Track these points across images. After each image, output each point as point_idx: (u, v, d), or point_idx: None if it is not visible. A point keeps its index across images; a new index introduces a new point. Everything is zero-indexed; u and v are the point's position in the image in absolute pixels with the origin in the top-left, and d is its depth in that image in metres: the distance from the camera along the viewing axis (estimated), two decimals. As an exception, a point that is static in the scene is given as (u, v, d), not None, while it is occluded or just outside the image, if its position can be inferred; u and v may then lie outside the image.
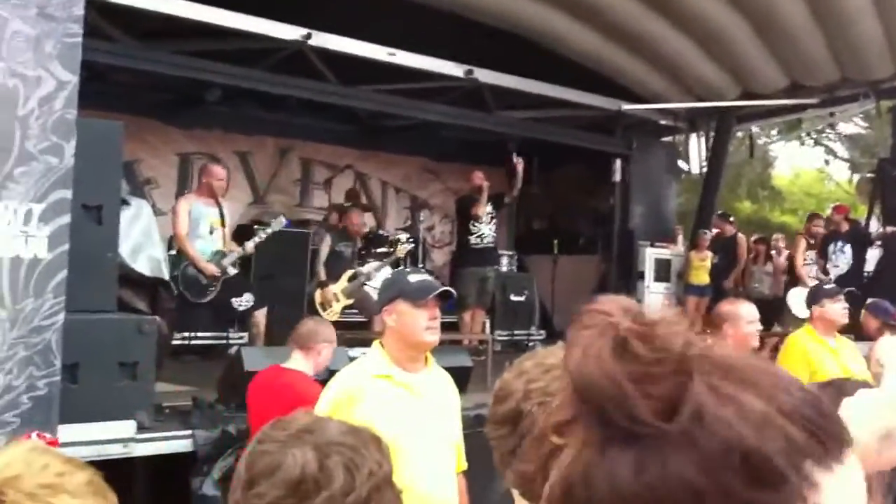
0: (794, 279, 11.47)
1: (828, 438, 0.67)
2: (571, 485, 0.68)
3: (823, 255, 11.49)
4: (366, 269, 9.55)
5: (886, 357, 6.15)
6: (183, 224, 7.85)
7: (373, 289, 10.62)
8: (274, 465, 1.56)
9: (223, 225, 8.22)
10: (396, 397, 3.47)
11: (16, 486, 1.42)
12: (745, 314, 4.90)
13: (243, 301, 8.07)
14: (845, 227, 11.54)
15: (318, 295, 9.27)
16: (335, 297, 9.19)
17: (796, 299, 10.57)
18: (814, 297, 6.10)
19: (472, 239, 10.69)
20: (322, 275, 9.43)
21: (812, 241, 11.69)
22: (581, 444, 0.69)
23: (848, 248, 11.25)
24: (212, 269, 7.93)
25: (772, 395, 0.67)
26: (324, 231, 9.92)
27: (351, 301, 9.36)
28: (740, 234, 13.07)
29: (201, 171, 8.61)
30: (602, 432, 0.68)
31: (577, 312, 0.75)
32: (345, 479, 1.54)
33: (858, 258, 11.34)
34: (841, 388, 1.87)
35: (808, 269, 11.45)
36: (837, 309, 5.87)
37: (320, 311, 9.08)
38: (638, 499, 0.65)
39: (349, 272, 9.38)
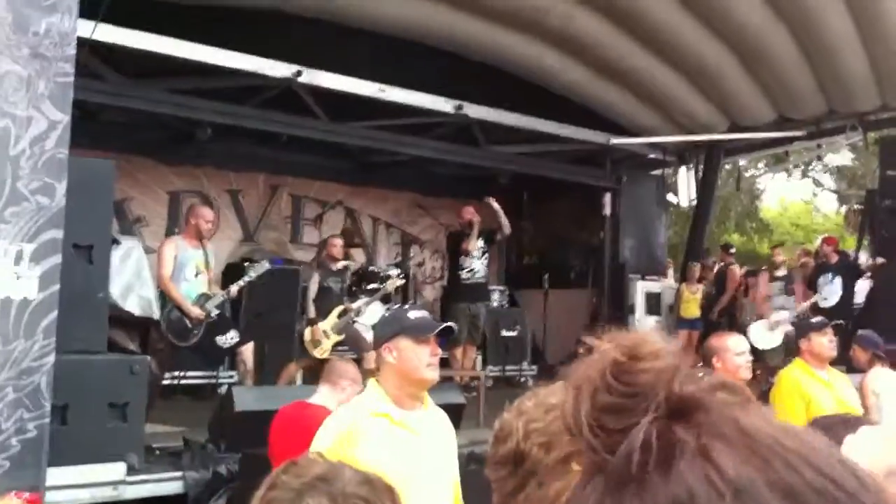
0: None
1: None
2: None
3: (813, 287, 11.51)
4: (355, 304, 9.50)
5: (880, 389, 6.17)
6: (168, 267, 7.70)
7: (363, 325, 10.61)
8: None
9: (208, 268, 8.16)
10: (395, 437, 3.43)
11: None
12: (732, 346, 4.88)
13: (228, 338, 8.02)
14: (835, 258, 11.58)
15: (307, 332, 9.18)
16: (325, 334, 9.13)
17: (756, 332, 10.67)
18: (801, 331, 6.10)
19: (464, 274, 10.68)
20: (311, 312, 9.35)
21: (777, 274, 11.79)
22: (579, 476, 0.67)
23: (838, 280, 11.28)
24: (196, 312, 7.85)
25: (765, 463, 0.60)
26: (311, 268, 9.89)
27: (342, 337, 9.31)
28: (732, 266, 13.10)
29: (189, 212, 8.55)
30: (588, 464, 0.66)
31: (575, 347, 0.73)
32: None
33: (848, 290, 11.36)
34: (847, 423, 1.86)
35: (775, 301, 11.55)
36: (824, 342, 5.86)
37: (310, 348, 9.00)
38: None
39: (339, 308, 9.32)
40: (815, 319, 6.48)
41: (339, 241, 9.87)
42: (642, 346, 0.67)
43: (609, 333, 0.70)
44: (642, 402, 0.64)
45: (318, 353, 8.97)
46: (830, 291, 11.32)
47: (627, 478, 0.62)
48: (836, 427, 1.79)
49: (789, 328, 10.30)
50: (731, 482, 0.59)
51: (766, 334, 10.96)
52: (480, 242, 10.71)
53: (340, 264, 9.60)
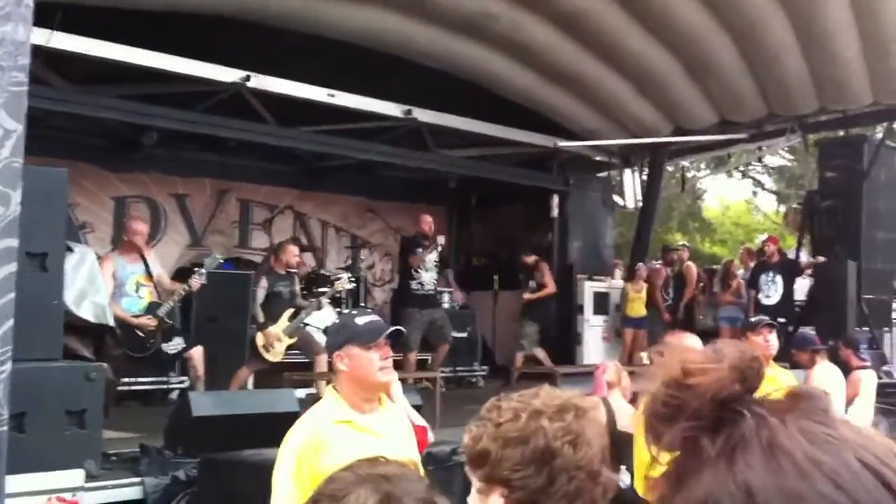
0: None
1: None
2: None
3: (754, 286, 11.77)
4: (305, 306, 9.52)
5: (825, 385, 6.36)
6: (109, 286, 7.65)
7: (314, 328, 10.64)
8: (339, 494, 1.57)
9: (150, 279, 8.13)
10: (359, 443, 3.47)
11: None
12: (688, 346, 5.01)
13: (172, 345, 8.01)
14: (776, 257, 11.85)
15: (259, 337, 9.15)
16: (277, 337, 9.14)
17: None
18: (739, 330, 6.27)
19: (413, 284, 10.74)
20: (260, 317, 9.31)
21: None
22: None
23: (779, 279, 11.54)
24: (144, 321, 7.84)
25: (780, 471, 0.67)
26: (261, 273, 9.90)
27: (293, 340, 9.32)
28: (689, 263, 13.20)
29: (123, 230, 8.55)
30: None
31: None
32: None
33: (789, 288, 11.63)
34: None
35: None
36: (759, 341, 6.01)
37: (263, 353, 8.98)
38: None
39: (289, 311, 9.31)
40: (751, 318, 6.67)
41: (296, 249, 9.86)
42: (695, 360, 0.76)
43: (671, 348, 0.80)
44: (686, 414, 0.73)
45: (271, 357, 8.97)
46: (772, 290, 11.58)
47: (673, 479, 0.72)
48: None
49: None
50: (743, 487, 0.67)
51: None
52: (434, 255, 10.77)
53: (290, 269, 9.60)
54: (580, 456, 1.78)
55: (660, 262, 13.58)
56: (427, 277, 10.76)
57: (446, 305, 12.48)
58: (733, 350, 0.77)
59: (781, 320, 9.86)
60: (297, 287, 9.58)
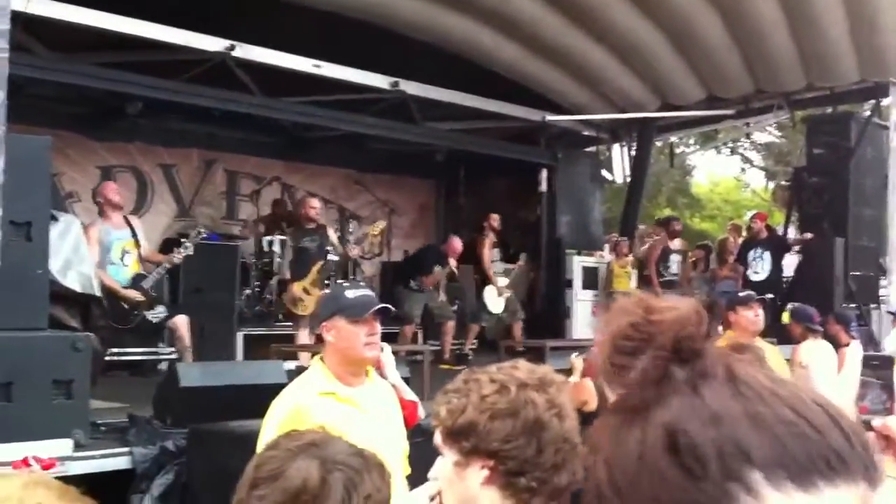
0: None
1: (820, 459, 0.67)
2: None
3: (743, 262, 11.81)
4: (336, 259, 9.59)
5: (808, 361, 6.39)
6: (94, 253, 7.58)
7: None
8: (277, 472, 1.61)
9: (137, 245, 8.06)
10: (343, 414, 3.47)
11: None
12: None
13: (155, 313, 7.97)
14: (764, 234, 11.89)
15: (286, 296, 9.22)
16: (305, 291, 9.08)
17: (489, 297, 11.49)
18: (728, 304, 6.30)
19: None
20: (286, 274, 9.39)
21: (494, 241, 12.03)
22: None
23: (767, 255, 11.59)
24: (132, 294, 7.79)
25: (744, 398, 0.70)
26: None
27: (325, 292, 9.22)
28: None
29: (95, 195, 8.43)
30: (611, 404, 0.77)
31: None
32: (342, 497, 1.59)
33: (777, 264, 11.68)
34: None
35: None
36: (749, 315, 6.04)
37: (294, 309, 9.02)
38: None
39: (318, 264, 9.25)
40: (741, 293, 6.68)
41: (315, 201, 9.87)
42: (657, 302, 0.77)
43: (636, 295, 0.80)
44: (652, 346, 0.74)
45: (300, 311, 8.99)
46: (760, 266, 11.63)
47: (633, 409, 0.73)
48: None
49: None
50: (710, 411, 0.69)
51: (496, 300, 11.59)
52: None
53: (313, 224, 9.54)
54: (566, 427, 1.80)
55: (654, 234, 13.47)
56: None
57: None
58: (687, 300, 0.79)
59: (770, 296, 9.93)
60: (331, 239, 9.57)
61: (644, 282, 12.27)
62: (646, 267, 12.40)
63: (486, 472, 1.78)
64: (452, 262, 10.86)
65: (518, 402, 1.80)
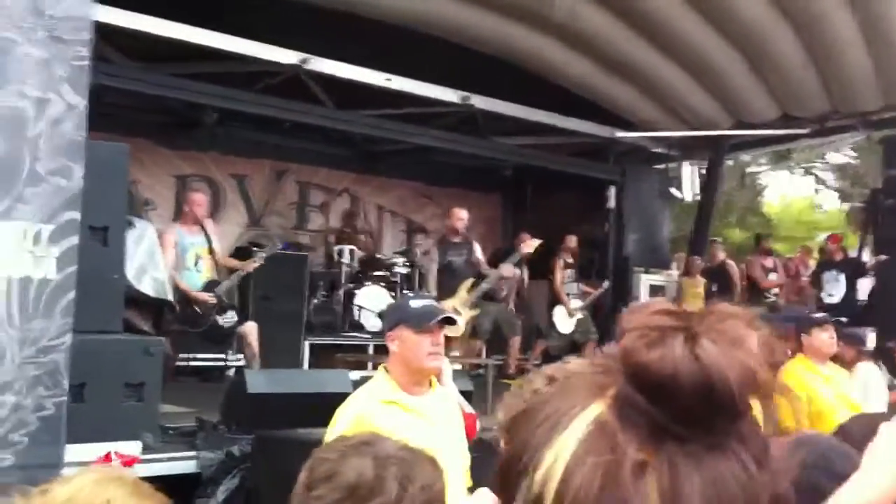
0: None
1: None
2: None
3: (817, 284, 11.62)
4: (487, 274, 9.15)
5: (869, 381, 6.27)
6: (170, 257, 7.76)
7: (369, 311, 10.69)
8: (332, 472, 1.65)
9: (211, 252, 8.21)
10: (406, 423, 3.50)
11: None
12: None
13: (226, 318, 8.10)
14: (839, 256, 11.68)
15: None
16: (455, 311, 8.57)
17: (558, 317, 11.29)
18: (801, 326, 6.20)
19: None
20: (433, 291, 9.05)
21: (568, 261, 11.84)
22: None
23: (842, 277, 11.38)
24: (204, 297, 7.94)
25: (735, 348, 0.76)
26: (431, 245, 9.42)
27: (476, 312, 8.95)
28: (729, 261, 13.16)
29: (184, 201, 8.67)
30: None
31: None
32: (398, 490, 1.62)
33: (851, 287, 11.46)
34: (882, 416, 1.93)
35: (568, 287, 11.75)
36: (825, 338, 5.95)
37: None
38: None
39: (467, 282, 8.97)
40: (817, 315, 6.57)
41: (462, 212, 9.44)
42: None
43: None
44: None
45: (450, 332, 8.71)
46: (835, 288, 11.42)
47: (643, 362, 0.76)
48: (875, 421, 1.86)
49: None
50: (702, 357, 0.73)
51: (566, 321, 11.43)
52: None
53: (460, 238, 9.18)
54: None
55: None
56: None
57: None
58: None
59: (843, 319, 9.73)
60: (477, 255, 9.20)
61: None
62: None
63: None
64: (526, 249, 9.80)
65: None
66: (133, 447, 4.91)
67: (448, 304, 8.65)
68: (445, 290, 8.82)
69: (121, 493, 1.52)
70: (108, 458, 4.47)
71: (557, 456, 0.76)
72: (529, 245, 9.72)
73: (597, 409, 0.77)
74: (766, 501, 0.76)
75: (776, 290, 12.08)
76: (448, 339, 8.61)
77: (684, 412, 0.74)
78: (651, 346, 0.75)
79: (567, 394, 0.81)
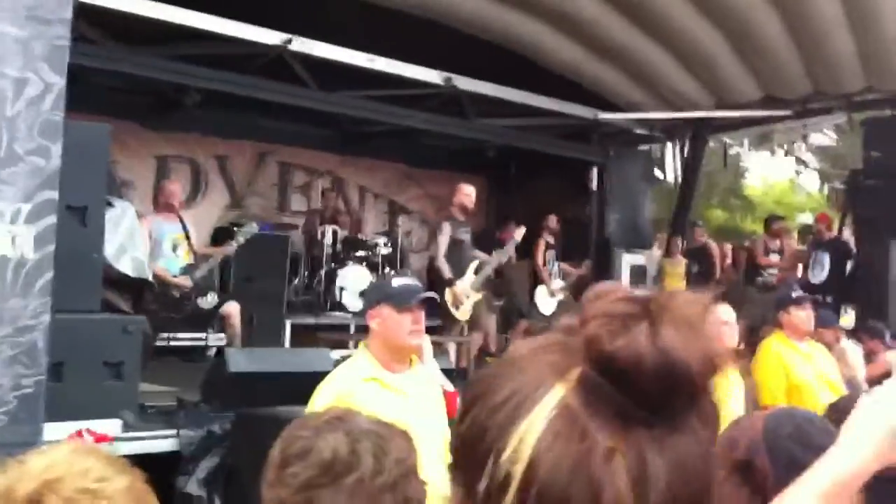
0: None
1: None
2: None
3: (805, 263, 11.76)
4: (493, 258, 9.05)
5: (853, 358, 6.34)
6: (146, 246, 7.75)
7: (350, 293, 10.68)
8: (307, 448, 1.65)
9: (188, 238, 8.23)
10: (387, 400, 3.53)
11: (55, 490, 1.43)
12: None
13: (207, 300, 8.12)
14: (827, 236, 11.78)
15: (448, 294, 8.60)
16: (465, 293, 8.68)
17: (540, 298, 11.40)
18: (780, 304, 6.26)
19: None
20: (446, 272, 8.75)
21: (550, 242, 11.91)
22: None
23: (827, 257, 11.48)
24: (182, 281, 7.96)
25: (693, 335, 0.79)
26: (441, 221, 9.08)
27: (480, 296, 8.81)
28: (711, 242, 13.25)
29: (158, 192, 8.68)
30: None
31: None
32: (374, 464, 1.63)
33: (837, 268, 11.54)
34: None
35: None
36: (802, 316, 6.01)
37: (453, 311, 8.60)
38: None
39: (474, 264, 8.84)
40: (794, 293, 6.63)
41: (470, 188, 9.32)
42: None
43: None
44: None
45: (460, 315, 8.63)
46: (821, 267, 11.53)
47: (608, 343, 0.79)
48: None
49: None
50: (663, 345, 0.76)
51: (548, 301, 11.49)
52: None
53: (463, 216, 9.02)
54: None
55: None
56: None
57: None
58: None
59: (829, 299, 9.83)
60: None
61: None
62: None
63: None
64: (510, 249, 9.83)
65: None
66: (113, 425, 4.91)
67: (459, 286, 8.62)
68: (455, 270, 8.64)
69: (99, 463, 1.53)
70: (79, 434, 4.48)
71: (523, 439, 0.77)
72: (519, 233, 9.77)
73: (560, 391, 0.79)
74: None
75: (773, 270, 12.12)
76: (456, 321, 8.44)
77: (648, 397, 0.76)
78: (614, 335, 0.77)
79: (526, 372, 0.82)
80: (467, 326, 9.06)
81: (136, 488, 1.53)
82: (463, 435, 0.83)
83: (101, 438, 4.55)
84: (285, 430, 1.78)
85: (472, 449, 0.81)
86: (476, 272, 8.74)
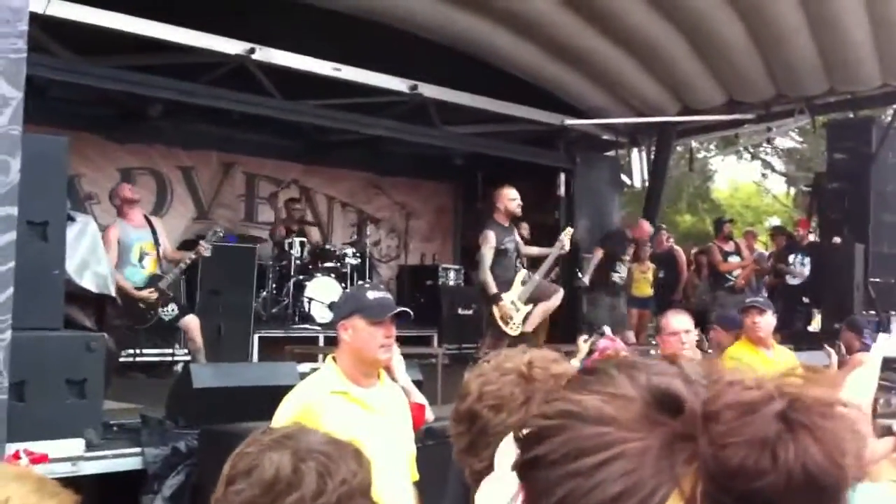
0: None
1: None
2: None
3: (784, 264, 11.94)
4: (539, 273, 8.43)
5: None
6: (113, 253, 7.65)
7: (319, 303, 10.61)
8: (252, 466, 1.63)
9: (157, 245, 8.13)
10: (353, 414, 3.49)
11: None
12: (668, 325, 5.17)
13: (167, 311, 8.03)
14: (806, 240, 11.94)
15: (495, 311, 8.08)
16: (513, 305, 8.13)
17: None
18: (741, 311, 6.35)
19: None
20: (491, 287, 8.07)
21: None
22: None
23: (807, 261, 11.62)
24: (145, 294, 7.85)
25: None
26: (484, 230, 8.33)
27: (530, 308, 8.18)
28: (676, 247, 13.34)
29: (112, 196, 8.57)
30: None
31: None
32: (317, 484, 1.60)
33: (816, 270, 11.71)
34: None
35: None
36: (760, 322, 6.07)
37: (503, 326, 8.05)
38: None
39: (520, 275, 8.20)
40: (749, 300, 6.75)
41: (513, 192, 8.45)
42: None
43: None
44: None
45: (510, 331, 8.09)
46: (801, 270, 11.68)
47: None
48: None
49: None
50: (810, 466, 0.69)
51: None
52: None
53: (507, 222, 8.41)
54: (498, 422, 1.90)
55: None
56: None
57: (451, 282, 12.51)
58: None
59: (806, 301, 9.91)
60: (516, 238, 8.49)
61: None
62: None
63: None
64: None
65: (466, 388, 1.93)
66: (76, 445, 4.83)
67: (507, 300, 8.08)
68: (503, 282, 8.05)
69: (22, 490, 1.48)
70: (16, 456, 4.38)
71: None
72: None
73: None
74: None
75: (737, 273, 12.20)
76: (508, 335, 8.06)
77: None
78: (751, 446, 0.68)
79: (628, 458, 0.71)
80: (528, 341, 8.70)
81: None
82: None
83: (37, 459, 4.45)
84: (239, 445, 1.75)
85: None
86: (523, 283, 8.16)
